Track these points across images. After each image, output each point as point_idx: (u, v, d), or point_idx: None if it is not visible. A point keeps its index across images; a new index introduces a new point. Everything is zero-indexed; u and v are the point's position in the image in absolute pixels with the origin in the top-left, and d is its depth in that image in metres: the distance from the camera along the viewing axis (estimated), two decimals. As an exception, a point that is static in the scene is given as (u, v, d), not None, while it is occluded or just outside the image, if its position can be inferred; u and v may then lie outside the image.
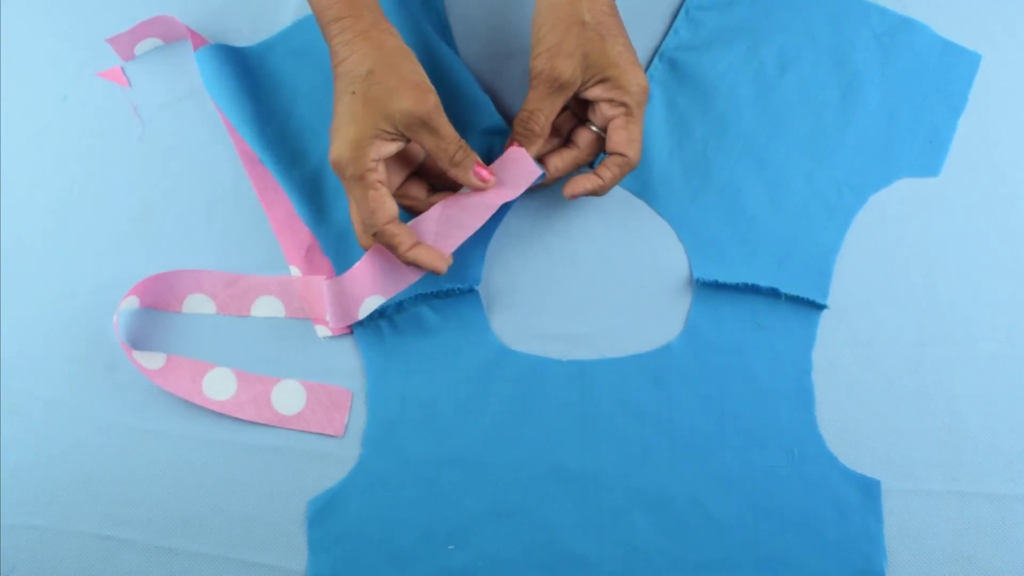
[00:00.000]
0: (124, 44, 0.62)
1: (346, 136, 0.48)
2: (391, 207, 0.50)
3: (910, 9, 0.62)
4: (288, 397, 0.55)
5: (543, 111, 0.52)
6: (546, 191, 0.59)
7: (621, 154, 0.52)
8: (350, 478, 0.54)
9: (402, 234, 0.50)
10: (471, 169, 0.51)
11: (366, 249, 0.53)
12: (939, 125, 0.59)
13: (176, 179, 0.60)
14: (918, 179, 0.59)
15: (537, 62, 0.51)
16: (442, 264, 0.52)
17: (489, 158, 0.58)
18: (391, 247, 0.50)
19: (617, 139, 0.52)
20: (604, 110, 0.52)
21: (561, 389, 0.55)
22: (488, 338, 0.56)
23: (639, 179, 0.59)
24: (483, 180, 0.52)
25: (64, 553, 0.54)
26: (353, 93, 0.48)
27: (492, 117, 0.58)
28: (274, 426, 0.55)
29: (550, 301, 0.57)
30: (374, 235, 0.50)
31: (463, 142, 0.51)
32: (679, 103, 0.60)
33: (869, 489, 0.53)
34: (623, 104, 0.52)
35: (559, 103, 0.52)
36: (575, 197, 0.54)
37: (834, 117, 0.59)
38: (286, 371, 0.56)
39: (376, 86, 0.48)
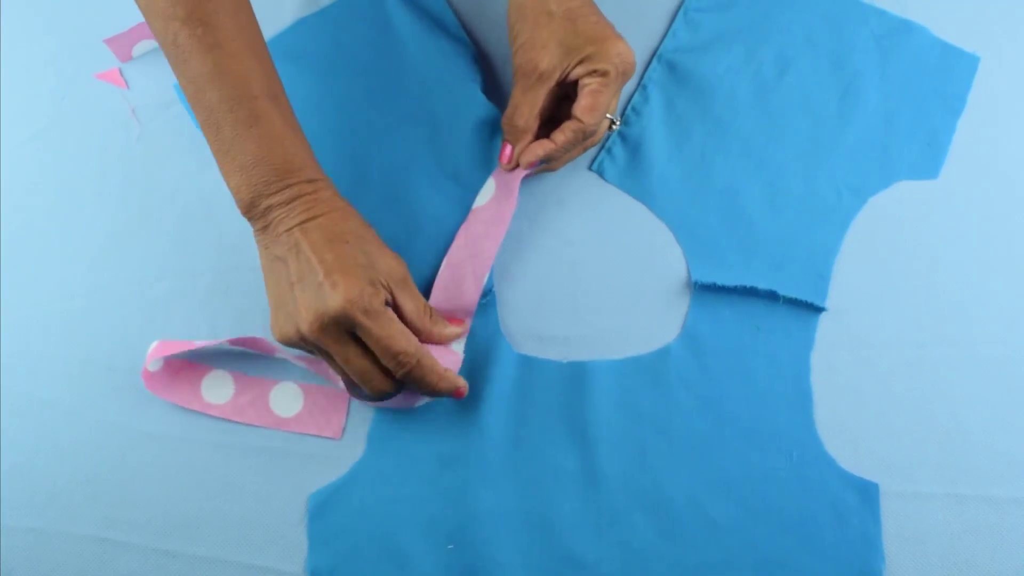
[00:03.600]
0: (122, 45, 0.62)
1: (362, 275, 0.47)
2: None
3: (909, 11, 0.61)
4: (286, 399, 0.55)
5: (525, 104, 0.53)
6: (544, 192, 0.59)
7: (578, 119, 0.53)
8: (352, 474, 0.54)
9: (430, 353, 0.50)
10: (444, 323, 0.52)
11: (382, 394, 0.50)
12: (938, 127, 0.59)
13: (175, 181, 0.60)
14: (917, 181, 0.59)
15: (516, 58, 0.53)
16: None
17: (483, 158, 0.59)
18: (428, 368, 0.49)
19: (581, 104, 0.53)
20: (585, 81, 0.53)
21: (560, 390, 0.55)
22: (496, 340, 0.56)
23: (637, 181, 0.59)
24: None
25: (62, 555, 0.54)
26: (347, 242, 0.48)
27: (482, 107, 0.59)
28: (272, 428, 0.55)
29: (549, 303, 0.57)
30: (408, 366, 0.48)
31: (430, 306, 0.52)
32: (678, 105, 0.60)
33: (867, 492, 0.53)
34: (603, 73, 0.52)
35: (541, 94, 0.53)
36: (531, 166, 0.54)
37: (833, 119, 0.59)
38: (285, 374, 0.56)
39: (368, 244, 0.49)
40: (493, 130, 0.59)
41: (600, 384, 0.55)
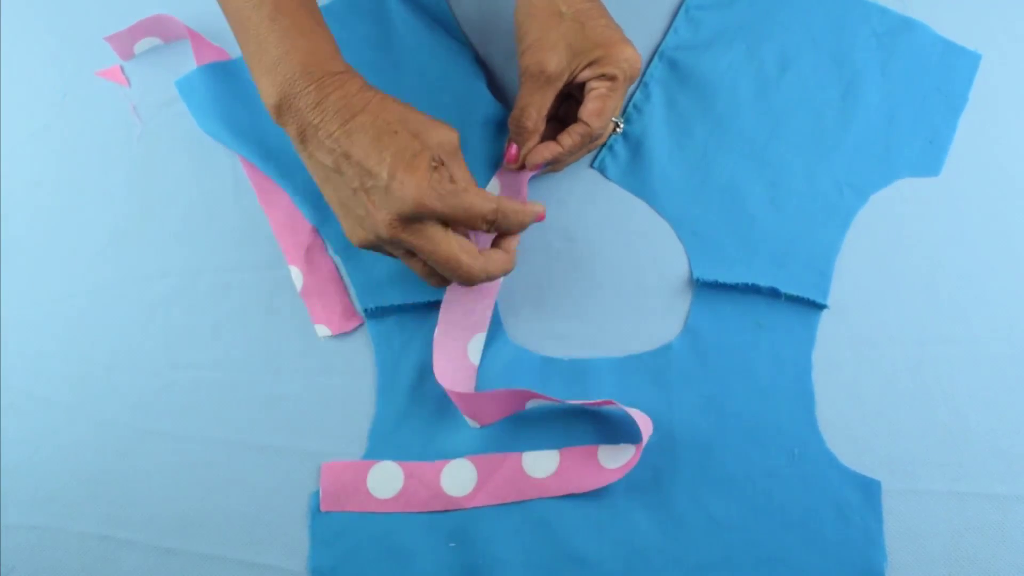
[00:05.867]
0: (123, 43, 0.62)
1: (422, 163, 0.45)
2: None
3: (910, 9, 0.62)
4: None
5: (533, 105, 0.53)
6: (546, 190, 0.59)
7: (585, 123, 0.53)
8: (354, 472, 0.54)
9: (504, 198, 0.49)
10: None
11: (471, 273, 0.49)
12: (939, 125, 0.59)
13: (176, 179, 0.60)
14: (918, 179, 0.59)
15: (523, 59, 0.52)
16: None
17: (489, 154, 0.59)
18: (512, 211, 0.48)
19: (588, 108, 0.53)
20: (592, 84, 0.53)
21: (562, 388, 0.55)
22: (498, 337, 0.56)
23: (639, 179, 0.59)
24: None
25: (63, 553, 0.54)
26: (396, 132, 0.46)
27: (488, 104, 0.59)
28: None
29: (550, 300, 0.57)
30: (495, 219, 0.48)
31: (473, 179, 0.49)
32: (679, 103, 0.60)
33: (869, 489, 0.53)
34: (611, 77, 0.52)
35: (549, 96, 0.53)
36: (536, 168, 0.55)
37: (835, 117, 0.59)
38: (287, 371, 0.56)
39: (413, 123, 0.47)
40: (499, 127, 0.59)
41: (602, 381, 0.55)
